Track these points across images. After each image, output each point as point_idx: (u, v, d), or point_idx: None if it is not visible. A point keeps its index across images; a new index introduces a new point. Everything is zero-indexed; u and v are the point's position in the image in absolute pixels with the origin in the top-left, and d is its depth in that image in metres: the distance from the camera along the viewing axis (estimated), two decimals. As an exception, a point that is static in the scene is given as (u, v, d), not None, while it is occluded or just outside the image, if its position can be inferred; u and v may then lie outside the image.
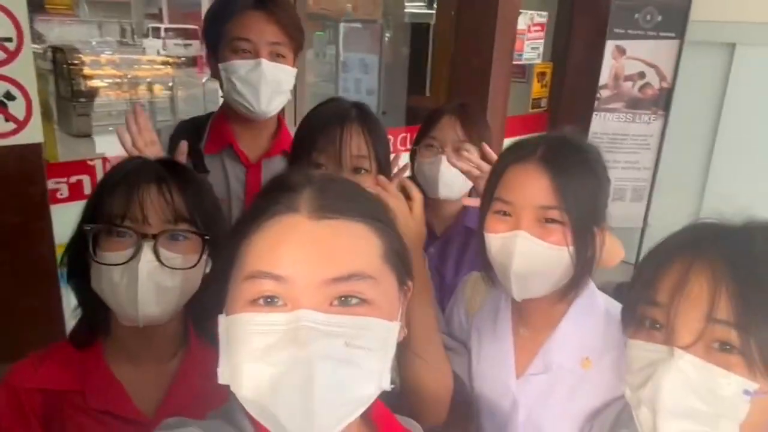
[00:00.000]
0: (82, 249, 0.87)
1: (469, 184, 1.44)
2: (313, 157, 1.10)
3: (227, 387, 0.59)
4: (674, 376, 0.63)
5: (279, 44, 1.30)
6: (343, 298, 0.56)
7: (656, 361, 0.65)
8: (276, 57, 1.30)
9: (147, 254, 0.83)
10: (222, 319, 0.60)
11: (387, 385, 0.59)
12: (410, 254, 0.65)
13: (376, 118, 1.16)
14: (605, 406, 0.95)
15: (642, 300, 0.68)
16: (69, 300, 1.65)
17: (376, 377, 0.58)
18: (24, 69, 1.43)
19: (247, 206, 1.37)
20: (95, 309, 0.90)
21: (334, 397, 0.55)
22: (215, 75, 1.35)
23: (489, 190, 0.99)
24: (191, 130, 1.39)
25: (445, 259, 1.50)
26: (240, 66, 1.27)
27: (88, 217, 0.87)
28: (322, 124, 1.11)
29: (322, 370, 0.54)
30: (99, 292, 0.86)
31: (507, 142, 3.15)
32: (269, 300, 0.56)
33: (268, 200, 0.59)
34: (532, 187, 0.92)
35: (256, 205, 0.61)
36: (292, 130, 1.53)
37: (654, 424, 0.64)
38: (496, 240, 0.96)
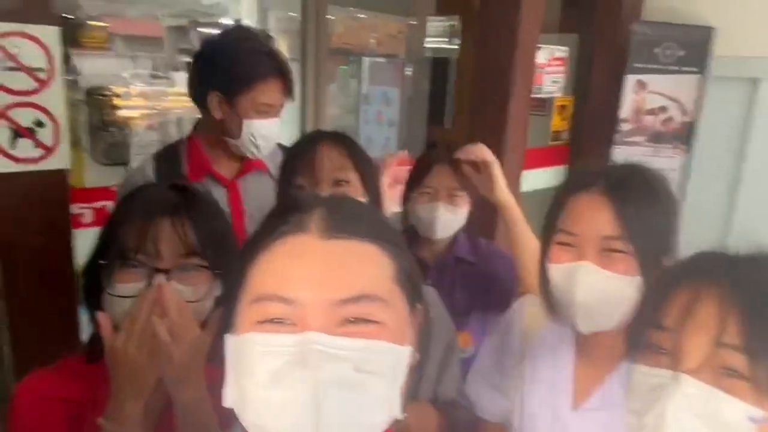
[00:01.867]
0: (96, 277, 0.88)
1: (461, 223, 1.56)
2: (293, 180, 1.17)
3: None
4: (679, 402, 0.62)
5: (283, 105, 1.54)
6: (352, 320, 0.55)
7: (661, 386, 0.64)
8: (279, 114, 1.53)
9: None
10: (229, 339, 0.58)
11: (399, 413, 0.57)
12: (420, 277, 0.64)
13: (351, 137, 1.25)
14: None
15: (648, 325, 0.67)
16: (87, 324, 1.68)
17: (386, 404, 0.56)
18: (54, 98, 1.49)
19: (234, 222, 1.46)
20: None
21: (341, 423, 0.53)
22: (209, 108, 1.47)
23: (550, 220, 0.99)
24: (170, 159, 1.51)
25: (440, 289, 1.50)
26: (264, 126, 1.49)
27: (102, 245, 0.89)
28: (297, 150, 1.22)
29: (329, 395, 0.52)
30: (113, 319, 0.87)
31: (525, 174, 3.16)
32: (277, 321, 0.55)
33: (277, 220, 0.59)
34: (595, 218, 0.92)
35: (266, 226, 0.60)
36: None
37: None
38: (558, 270, 0.95)
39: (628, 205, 0.91)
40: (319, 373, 0.52)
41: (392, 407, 0.57)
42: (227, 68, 1.45)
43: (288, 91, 1.53)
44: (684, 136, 3.14)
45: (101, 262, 0.87)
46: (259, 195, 1.54)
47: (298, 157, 1.19)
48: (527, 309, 1.16)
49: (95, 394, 0.90)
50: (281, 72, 1.49)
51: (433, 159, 1.56)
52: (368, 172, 1.20)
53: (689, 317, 0.62)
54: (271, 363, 0.53)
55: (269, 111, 1.48)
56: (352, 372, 0.53)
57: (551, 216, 0.99)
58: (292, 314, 0.54)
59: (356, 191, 1.16)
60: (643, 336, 0.68)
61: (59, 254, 1.52)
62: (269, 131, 1.50)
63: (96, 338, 0.94)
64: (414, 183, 1.56)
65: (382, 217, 0.65)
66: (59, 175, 1.51)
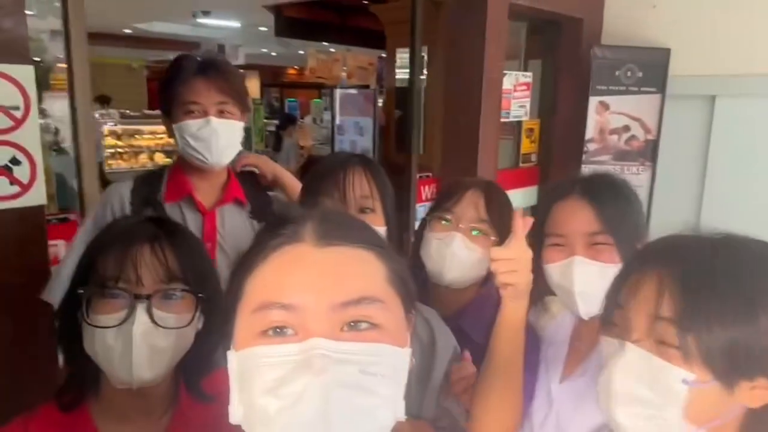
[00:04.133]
0: (74, 310, 0.85)
1: (481, 270, 1.23)
2: (319, 202, 1.13)
3: None
4: (623, 366, 0.70)
5: (225, 103, 1.44)
6: (353, 324, 0.55)
7: (610, 354, 0.73)
8: (222, 114, 1.44)
9: (141, 315, 0.82)
10: (232, 355, 0.58)
11: (402, 415, 0.58)
12: (412, 281, 0.65)
13: (377, 163, 1.21)
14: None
15: (611, 304, 0.76)
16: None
17: (391, 405, 0.57)
18: (30, 135, 1.50)
19: (209, 250, 1.35)
20: (86, 370, 0.88)
21: (353, 426, 0.54)
22: (171, 134, 1.48)
23: (539, 228, 1.11)
24: (149, 182, 1.49)
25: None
26: (192, 125, 1.41)
27: (80, 278, 0.86)
28: (326, 171, 1.16)
29: (338, 397, 0.52)
30: (92, 354, 0.85)
31: (499, 196, 3.22)
32: (279, 331, 0.55)
33: (271, 234, 0.60)
34: (579, 218, 1.06)
35: (260, 239, 0.61)
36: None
37: (608, 410, 0.72)
38: (555, 269, 1.09)
39: (604, 204, 1.06)
40: (326, 377, 0.52)
41: (397, 408, 0.58)
42: (162, 88, 1.48)
43: (225, 89, 1.44)
44: (648, 152, 3.26)
45: (79, 291, 0.84)
46: (234, 228, 1.50)
47: (327, 178, 1.15)
48: (537, 312, 1.29)
49: None
50: (203, 70, 1.42)
51: (465, 184, 1.28)
52: (389, 201, 1.19)
53: (634, 296, 0.71)
54: (277, 372, 0.54)
55: (196, 109, 1.41)
56: (359, 374, 0.54)
57: (538, 225, 1.11)
58: (294, 321, 0.55)
59: (378, 220, 1.15)
60: (609, 313, 0.77)
61: (38, 291, 1.50)
62: (200, 131, 1.41)
63: (70, 385, 0.90)
64: (435, 206, 1.30)
65: (370, 227, 0.67)
66: (36, 211, 1.52)
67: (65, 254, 1.45)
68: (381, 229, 1.15)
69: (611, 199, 1.08)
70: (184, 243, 0.90)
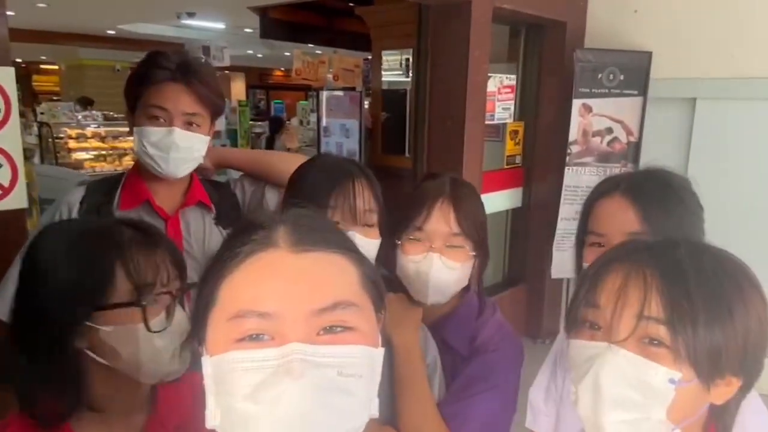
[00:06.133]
0: (69, 329, 0.81)
1: (462, 283, 1.21)
2: (322, 205, 1.08)
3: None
4: (610, 369, 0.68)
5: (194, 114, 1.36)
6: (329, 328, 0.56)
7: (594, 356, 0.70)
8: (189, 126, 1.36)
9: (179, 315, 0.87)
10: (206, 361, 0.58)
11: (376, 412, 0.60)
12: (382, 282, 0.66)
13: (373, 175, 1.17)
14: None
15: (583, 304, 0.74)
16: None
17: (367, 404, 0.58)
18: (11, 138, 1.49)
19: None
20: (74, 383, 0.84)
21: (331, 426, 0.55)
22: (131, 132, 1.40)
23: (581, 226, 1.08)
24: (102, 190, 1.41)
25: None
26: (152, 132, 1.33)
27: (83, 291, 0.82)
28: (332, 180, 1.10)
29: (317, 400, 0.53)
30: (131, 362, 0.84)
31: (484, 197, 3.24)
32: (255, 337, 0.55)
33: (242, 239, 0.60)
34: (619, 217, 1.01)
35: (230, 246, 0.61)
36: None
37: (594, 415, 0.69)
38: None
39: (648, 204, 0.99)
40: (305, 381, 0.53)
41: (372, 406, 0.59)
42: (131, 83, 1.39)
43: (199, 97, 1.36)
44: (630, 154, 3.30)
45: (143, 303, 0.83)
46: (199, 232, 1.43)
47: (334, 186, 1.10)
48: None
49: None
50: (178, 74, 1.33)
51: (431, 194, 1.18)
52: (383, 213, 1.16)
53: (617, 296, 0.69)
54: (255, 377, 0.54)
55: (162, 116, 1.33)
56: (337, 377, 0.55)
57: (582, 222, 1.09)
58: (271, 328, 0.55)
59: (375, 233, 1.13)
60: (579, 314, 0.74)
61: (19, 295, 1.49)
62: (161, 140, 1.33)
63: (49, 401, 0.84)
64: (404, 223, 1.20)
65: (341, 231, 0.68)
66: (18, 214, 1.50)
67: (10, 270, 1.32)
68: (377, 242, 1.14)
69: (658, 200, 1.00)
70: (172, 244, 0.93)
